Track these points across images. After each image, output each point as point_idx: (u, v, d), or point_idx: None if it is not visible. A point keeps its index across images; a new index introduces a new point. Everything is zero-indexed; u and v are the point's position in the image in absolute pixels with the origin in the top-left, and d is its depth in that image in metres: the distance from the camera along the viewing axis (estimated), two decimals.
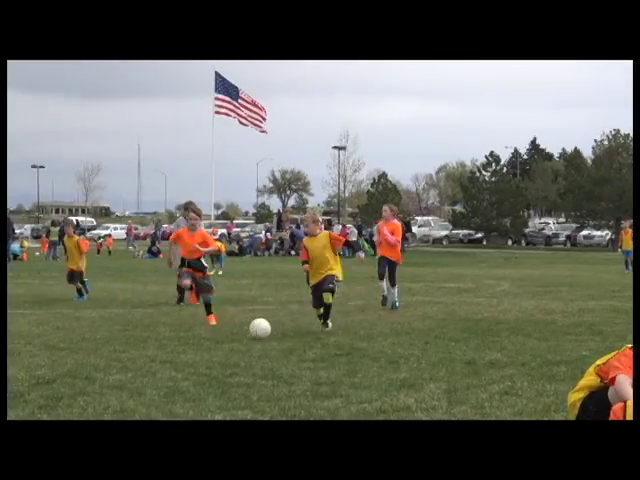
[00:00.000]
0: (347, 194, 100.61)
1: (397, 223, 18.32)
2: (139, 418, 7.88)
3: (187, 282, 15.20)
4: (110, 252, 55.06)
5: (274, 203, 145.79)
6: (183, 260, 15.63)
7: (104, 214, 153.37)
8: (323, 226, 15.06)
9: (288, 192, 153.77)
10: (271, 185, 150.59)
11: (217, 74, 44.88)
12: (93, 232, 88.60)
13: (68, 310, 17.49)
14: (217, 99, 46.60)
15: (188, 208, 20.09)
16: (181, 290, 19.37)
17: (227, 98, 45.05)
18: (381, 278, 18.17)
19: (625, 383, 6.22)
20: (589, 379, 6.74)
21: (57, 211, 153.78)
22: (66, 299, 20.02)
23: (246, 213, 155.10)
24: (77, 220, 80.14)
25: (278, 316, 16.11)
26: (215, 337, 13.03)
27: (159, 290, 22.53)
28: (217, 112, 46.95)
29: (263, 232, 60.79)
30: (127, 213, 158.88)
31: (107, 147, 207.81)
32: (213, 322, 14.81)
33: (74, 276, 20.74)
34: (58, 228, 48.44)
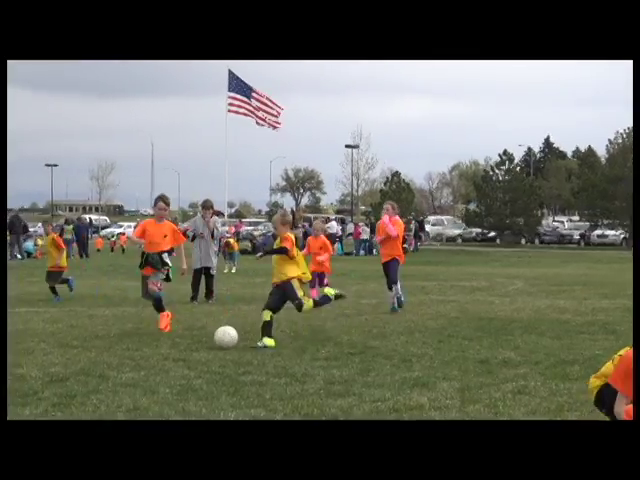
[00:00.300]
0: (360, 192, 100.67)
1: (399, 219, 17.77)
2: (152, 416, 7.89)
3: (154, 287, 14.06)
4: (124, 250, 55.13)
5: (287, 201, 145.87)
6: (142, 255, 14.31)
7: (117, 212, 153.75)
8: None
9: (301, 190, 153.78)
10: (284, 183, 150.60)
11: (230, 72, 44.85)
12: (107, 230, 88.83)
13: (82, 308, 17.53)
14: (230, 98, 46.48)
15: (206, 206, 20.12)
16: (195, 288, 19.41)
17: (241, 97, 44.99)
18: (390, 288, 17.19)
19: (619, 400, 6.36)
20: (609, 367, 6.78)
21: (71, 209, 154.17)
22: (80, 297, 20.06)
23: (259, 211, 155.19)
24: (91, 218, 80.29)
25: (291, 314, 16.10)
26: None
27: (172, 288, 22.49)
28: (230, 111, 46.81)
29: None
30: (142, 211, 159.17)
31: (120, 145, 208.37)
32: (164, 324, 13.90)
33: (51, 275, 20.37)
34: (72, 226, 48.63)
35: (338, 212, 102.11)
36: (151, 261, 13.98)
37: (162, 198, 14.53)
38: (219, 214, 24.58)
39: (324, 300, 13.72)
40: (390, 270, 17.23)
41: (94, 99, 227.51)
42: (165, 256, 14.13)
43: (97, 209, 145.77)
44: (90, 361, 10.89)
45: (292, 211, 75.46)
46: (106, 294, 20.84)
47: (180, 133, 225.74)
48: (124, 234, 65.05)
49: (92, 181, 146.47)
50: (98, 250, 54.82)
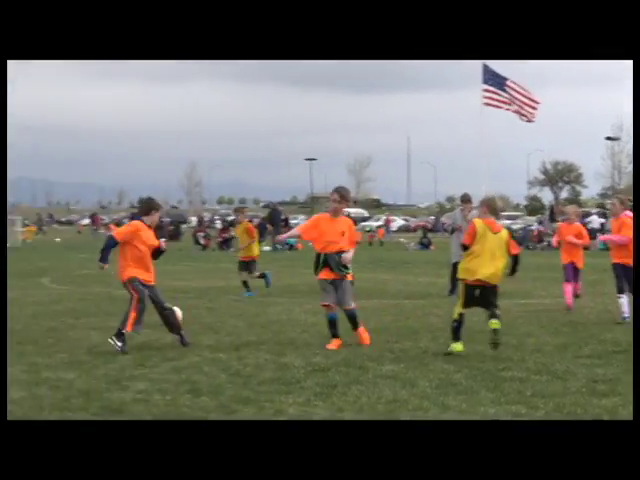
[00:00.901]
0: (622, 186, 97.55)
1: (628, 219, 14.25)
2: (412, 409, 7.92)
3: (328, 302, 11.87)
4: (382, 243, 55.80)
5: (546, 195, 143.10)
6: (318, 257, 12.11)
7: (375, 206, 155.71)
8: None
9: (560, 184, 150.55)
10: (542, 177, 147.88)
11: (485, 66, 44.48)
12: (364, 223, 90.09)
13: None
14: (485, 90, 46.17)
15: (464, 200, 20.00)
16: (454, 281, 19.25)
17: (495, 89, 44.55)
18: (620, 292, 14.47)
19: None
20: None
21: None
22: None
23: (517, 205, 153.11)
24: (349, 212, 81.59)
25: (551, 311, 15.79)
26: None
27: (430, 281, 22.61)
28: (485, 104, 46.51)
29: (535, 224, 59.70)
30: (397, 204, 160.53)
31: (377, 139, 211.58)
32: (366, 338, 11.97)
33: (243, 265, 19.59)
34: None
35: (599, 206, 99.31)
36: (331, 263, 11.89)
37: (337, 190, 12.41)
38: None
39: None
40: (623, 275, 14.56)
41: (352, 94, 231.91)
42: (345, 255, 12.00)
43: (355, 202, 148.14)
44: (350, 352, 11.05)
45: (551, 205, 73.92)
46: (364, 287, 21.11)
47: (435, 126, 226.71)
48: (382, 227, 65.78)
49: (349, 175, 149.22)
50: (357, 243, 55.62)
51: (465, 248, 11.21)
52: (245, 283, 19.43)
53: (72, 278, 23.91)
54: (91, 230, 71.37)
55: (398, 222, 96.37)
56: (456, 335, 11.03)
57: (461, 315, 11.07)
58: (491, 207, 11.24)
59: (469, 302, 11.12)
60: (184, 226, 73.56)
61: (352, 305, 11.92)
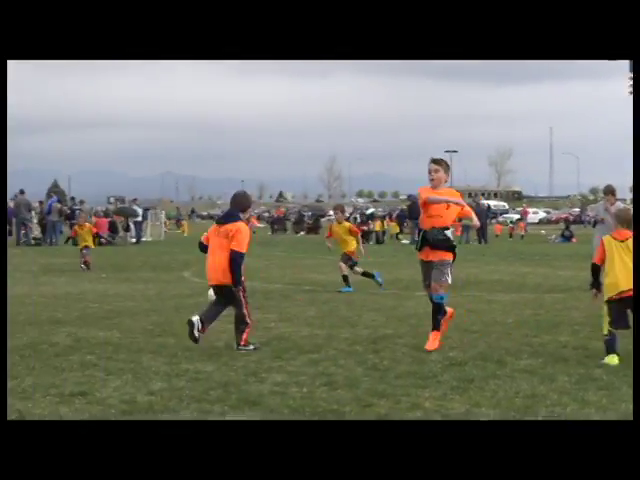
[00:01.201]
0: None
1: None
2: (550, 404, 7.78)
3: (437, 286, 10.86)
4: (522, 236, 55.10)
5: None
6: (418, 233, 11.18)
7: (516, 198, 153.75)
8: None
9: None
10: None
11: None
12: (505, 216, 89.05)
13: (479, 293, 17.65)
14: (631, 79, 45.15)
15: (607, 192, 19.53)
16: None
17: None
18: None
19: None
20: None
21: (469, 195, 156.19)
22: (477, 282, 20.18)
23: None
24: (489, 204, 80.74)
25: None
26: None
27: (571, 275, 22.18)
28: (631, 92, 45.38)
29: None
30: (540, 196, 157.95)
31: (519, 131, 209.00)
32: (433, 344, 10.78)
33: (344, 257, 19.04)
34: None
35: None
36: (433, 239, 10.76)
37: (432, 158, 11.06)
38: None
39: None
40: None
41: (493, 86, 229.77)
42: (449, 233, 10.85)
43: (495, 195, 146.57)
44: (488, 346, 10.93)
45: None
46: (504, 279, 20.88)
47: (579, 117, 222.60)
48: (522, 220, 64.86)
49: (490, 167, 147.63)
50: (497, 236, 55.16)
51: (594, 268, 10.33)
52: (345, 277, 18.84)
53: None
54: None
55: (540, 214, 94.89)
56: (611, 348, 9.86)
57: (610, 331, 9.93)
58: (621, 219, 10.29)
59: (618, 321, 9.90)
60: (323, 219, 74.03)
61: (441, 282, 10.82)
